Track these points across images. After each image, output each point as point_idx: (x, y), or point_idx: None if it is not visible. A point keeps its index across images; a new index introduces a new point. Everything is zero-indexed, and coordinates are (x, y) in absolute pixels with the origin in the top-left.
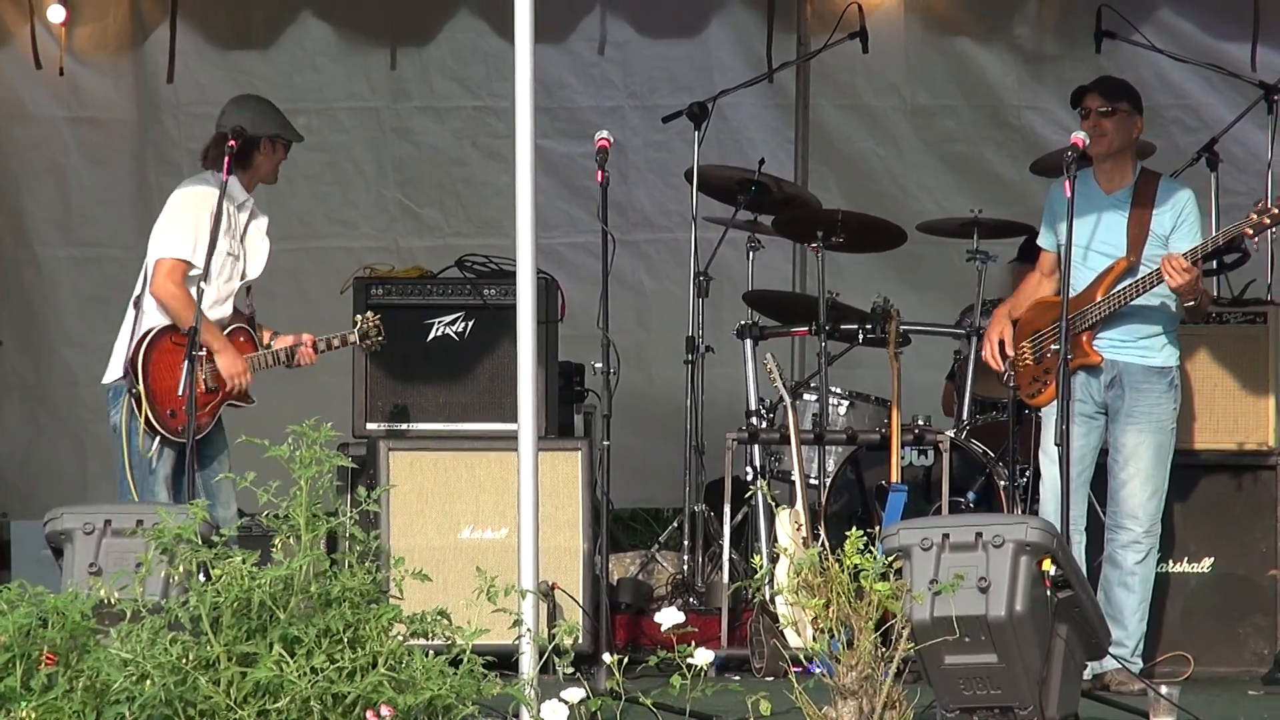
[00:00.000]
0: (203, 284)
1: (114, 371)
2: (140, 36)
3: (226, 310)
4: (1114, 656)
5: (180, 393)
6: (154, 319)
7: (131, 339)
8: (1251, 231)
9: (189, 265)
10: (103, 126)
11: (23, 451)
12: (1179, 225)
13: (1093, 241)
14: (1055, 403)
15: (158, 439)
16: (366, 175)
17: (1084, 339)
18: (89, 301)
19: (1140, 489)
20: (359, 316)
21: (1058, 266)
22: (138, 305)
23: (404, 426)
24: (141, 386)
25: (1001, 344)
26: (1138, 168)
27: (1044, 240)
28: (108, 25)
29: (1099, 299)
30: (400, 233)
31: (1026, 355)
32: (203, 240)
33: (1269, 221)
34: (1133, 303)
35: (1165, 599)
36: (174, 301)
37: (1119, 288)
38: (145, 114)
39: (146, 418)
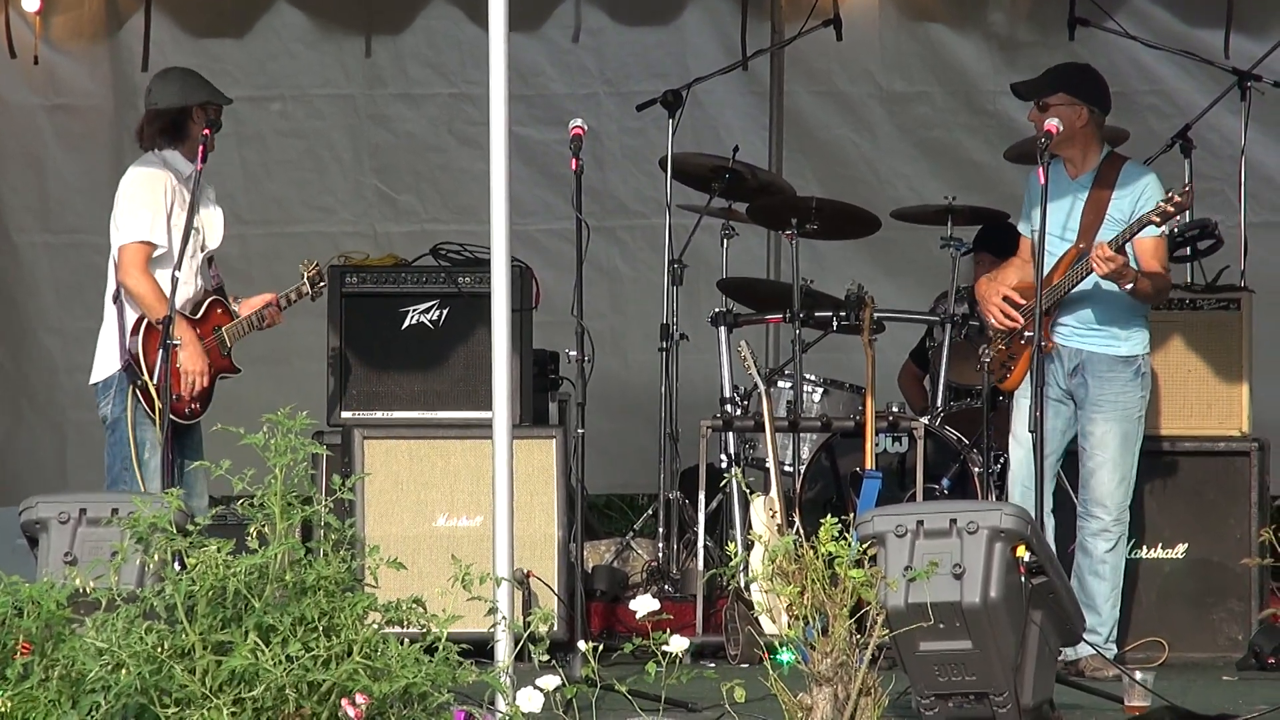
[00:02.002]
0: (176, 272)
1: (104, 369)
2: (115, 25)
3: (196, 285)
4: (1088, 643)
5: (155, 381)
6: (138, 308)
7: (122, 332)
8: (1159, 220)
9: (151, 246)
10: (79, 114)
11: (2, 439)
12: (1139, 209)
13: (1055, 228)
14: (1025, 388)
15: (155, 428)
16: (343, 161)
17: (1043, 326)
18: (67, 288)
19: (1108, 478)
20: (302, 264)
21: (1031, 252)
22: (117, 300)
23: (379, 415)
24: (146, 377)
25: (1008, 300)
26: (1104, 151)
27: (1022, 227)
28: (82, 14)
29: (1050, 286)
30: (377, 219)
31: (1000, 344)
32: (160, 219)
33: (1173, 210)
34: (1099, 292)
35: (1139, 585)
36: (140, 289)
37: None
38: (121, 101)
39: (156, 407)
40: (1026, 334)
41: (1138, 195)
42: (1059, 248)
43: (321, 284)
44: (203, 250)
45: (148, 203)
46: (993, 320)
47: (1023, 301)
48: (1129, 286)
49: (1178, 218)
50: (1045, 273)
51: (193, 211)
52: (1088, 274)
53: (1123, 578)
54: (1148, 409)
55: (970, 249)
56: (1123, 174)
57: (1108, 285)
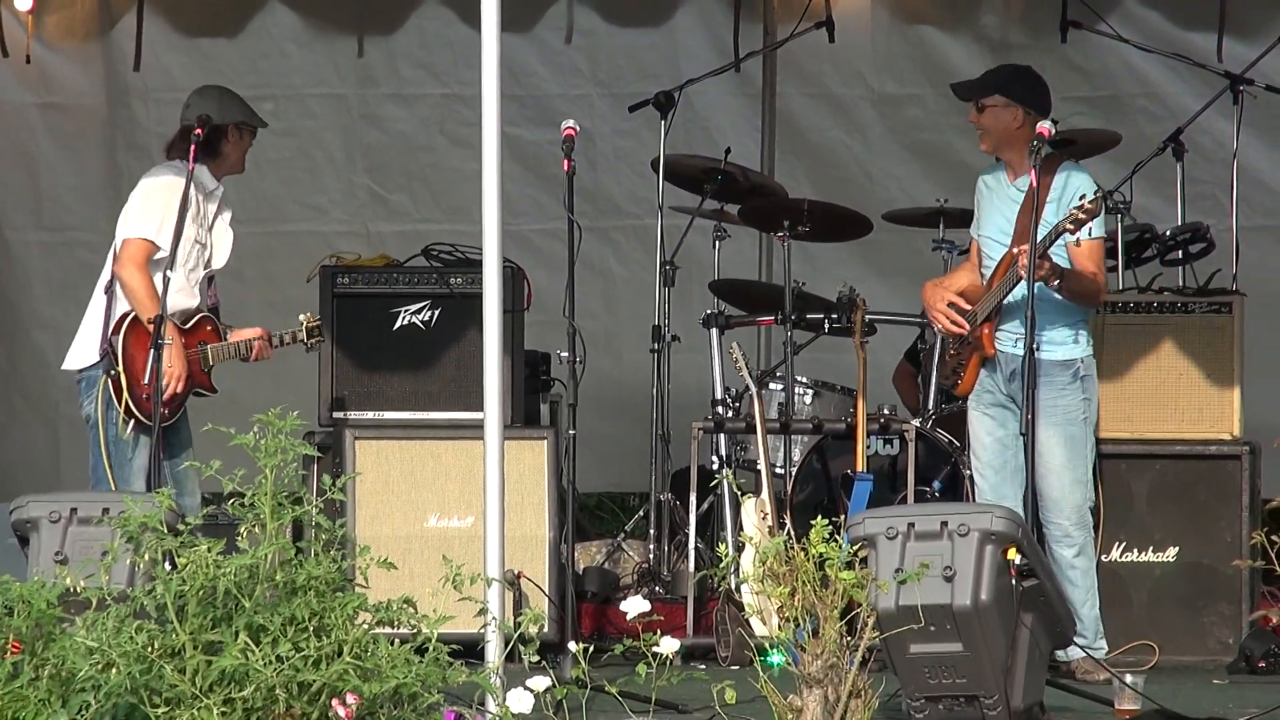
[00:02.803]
0: (168, 272)
1: (83, 358)
2: (107, 24)
3: (194, 300)
4: (1079, 646)
5: (145, 380)
6: (128, 303)
7: (106, 323)
8: (1072, 228)
9: (154, 247)
10: (72, 112)
11: None
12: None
13: (996, 232)
14: (974, 395)
15: (133, 424)
16: (335, 161)
17: (984, 331)
18: (60, 285)
19: (1057, 483)
20: (303, 316)
21: (980, 257)
22: (109, 291)
23: (370, 415)
24: (121, 369)
25: (953, 306)
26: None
27: (972, 229)
28: (75, 13)
29: (989, 291)
30: (370, 218)
31: (951, 348)
32: (169, 224)
33: (1083, 216)
34: (1035, 295)
35: (1130, 588)
36: (134, 283)
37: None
38: (114, 100)
39: (126, 403)
40: (974, 338)
41: (1071, 197)
42: (999, 252)
43: (317, 339)
44: (206, 267)
45: (160, 205)
46: (938, 327)
47: (968, 307)
48: (1055, 285)
49: (1090, 223)
50: (988, 278)
51: (184, 213)
52: (1017, 282)
53: (1095, 579)
54: (1139, 410)
55: (966, 250)
56: (1057, 176)
57: (1041, 289)
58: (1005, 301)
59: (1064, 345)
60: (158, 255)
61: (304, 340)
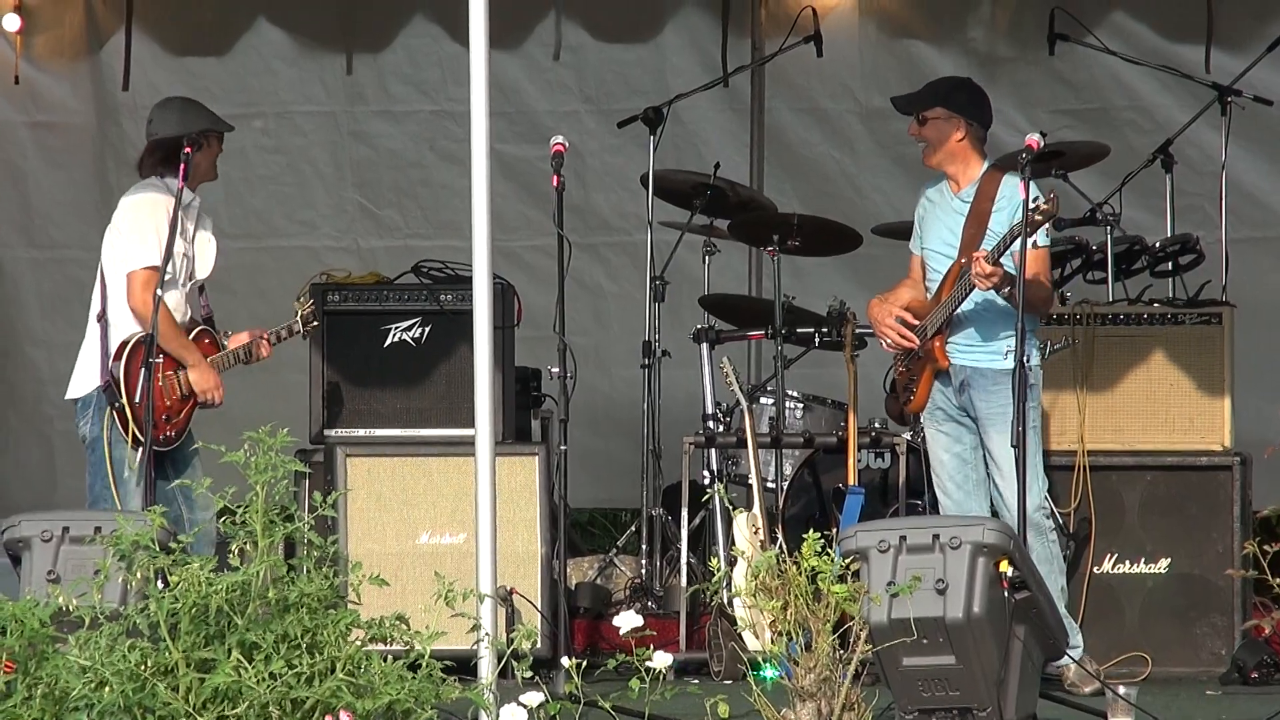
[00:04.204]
0: (158, 290)
1: (82, 386)
2: (96, 43)
3: (188, 313)
4: (1073, 659)
5: (136, 399)
6: (125, 330)
7: (104, 353)
8: (1031, 230)
9: (160, 272)
10: (61, 131)
11: None
12: (1017, 221)
13: (939, 244)
14: (926, 413)
15: (140, 451)
16: (325, 177)
17: (935, 344)
18: (52, 301)
19: (1008, 490)
20: (297, 303)
21: (923, 272)
22: (102, 320)
23: (361, 432)
24: (125, 400)
25: (901, 321)
26: (985, 166)
27: (912, 245)
28: (63, 33)
29: (939, 304)
30: (360, 233)
31: (900, 366)
32: (163, 247)
33: (1040, 219)
34: (979, 306)
35: (1122, 600)
36: (149, 314)
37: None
38: (104, 118)
39: (133, 433)
40: (925, 355)
41: (1016, 207)
42: (944, 265)
43: (314, 324)
44: (191, 279)
45: (154, 229)
46: (886, 342)
47: (916, 321)
48: (1005, 292)
49: (1045, 225)
50: (934, 291)
51: (174, 235)
52: (971, 289)
53: (1061, 580)
54: (1131, 420)
55: None
56: (1002, 186)
57: (988, 299)
58: (957, 313)
59: (1011, 354)
60: (166, 279)
61: (300, 331)
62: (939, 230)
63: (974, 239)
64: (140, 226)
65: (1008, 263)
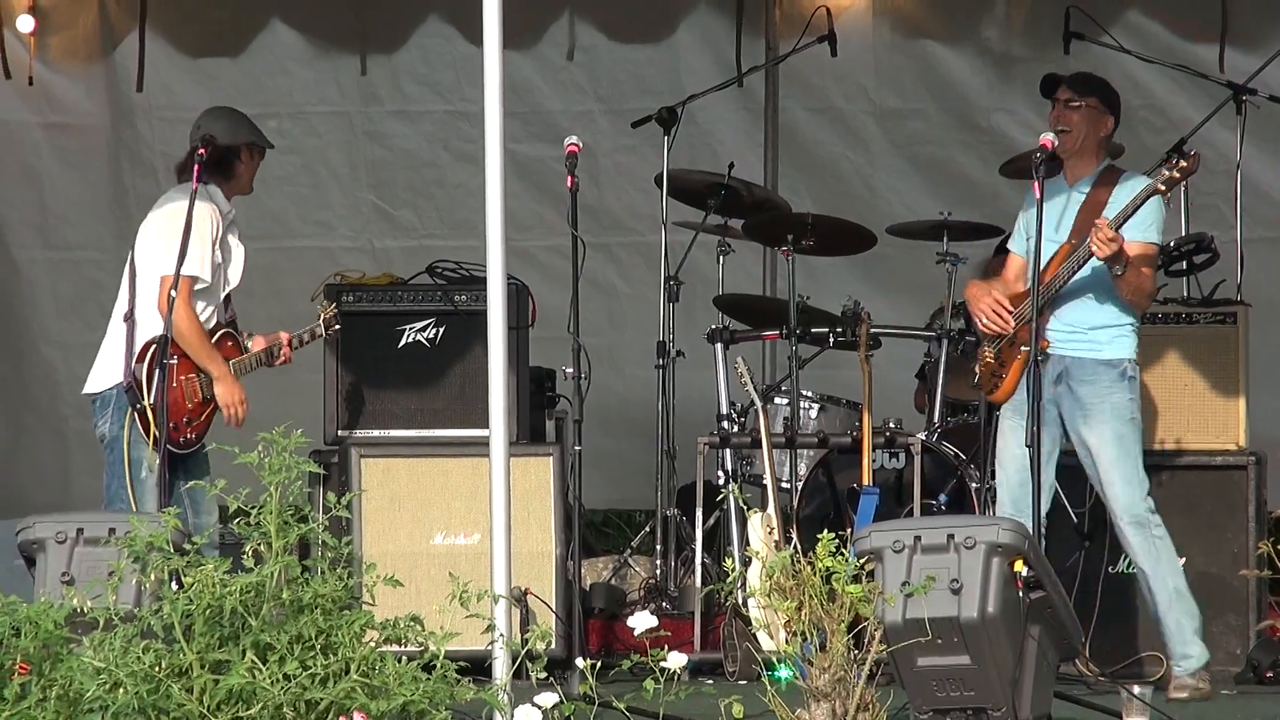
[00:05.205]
0: (172, 292)
1: (101, 382)
2: (110, 44)
3: (214, 319)
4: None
5: (150, 400)
6: (151, 331)
7: (129, 353)
8: (1165, 188)
9: (196, 280)
10: (76, 131)
11: (6, 450)
12: (1132, 213)
13: (1048, 230)
14: (1011, 404)
15: (151, 449)
16: (340, 177)
17: (1031, 329)
18: (67, 302)
19: (1111, 481)
20: (319, 306)
21: (1023, 271)
22: (129, 319)
23: (376, 433)
24: (148, 403)
25: (998, 303)
26: (1104, 163)
27: (1013, 245)
28: (77, 33)
29: (1044, 285)
30: (375, 233)
31: (987, 354)
32: (207, 253)
33: (1178, 175)
34: (1081, 295)
35: (1138, 599)
36: (185, 321)
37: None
38: (118, 119)
39: (154, 435)
40: (1018, 342)
41: (1133, 191)
42: (1049, 249)
43: (337, 326)
44: (226, 288)
45: (201, 237)
46: (981, 320)
47: (1011, 309)
48: (1119, 270)
49: (1179, 181)
50: (1036, 279)
51: (187, 236)
52: (1082, 264)
53: (1170, 584)
54: (1145, 420)
55: (965, 260)
56: (1121, 180)
57: (1090, 285)
58: (1059, 297)
59: (1111, 345)
60: (197, 287)
61: (323, 334)
62: (1048, 214)
63: (1087, 223)
64: (190, 234)
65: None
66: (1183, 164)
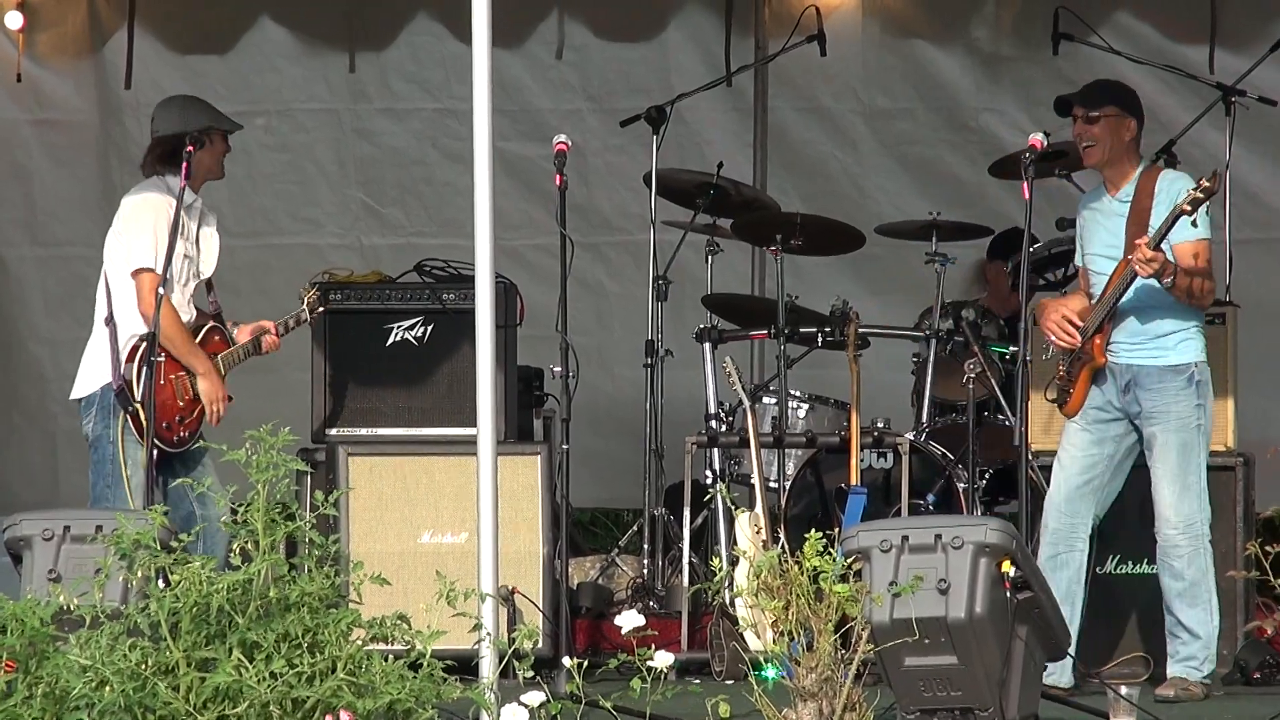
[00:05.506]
0: (159, 290)
1: (87, 385)
2: (99, 41)
3: (192, 312)
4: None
5: (139, 398)
6: (132, 329)
7: (115, 356)
8: (1190, 208)
9: (161, 275)
10: (65, 128)
11: None
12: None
13: (1103, 248)
14: (1081, 414)
15: (155, 454)
16: (329, 175)
17: (1095, 342)
18: (56, 300)
19: (1167, 490)
20: (302, 290)
21: (1088, 281)
22: (110, 323)
23: (363, 431)
24: (139, 405)
25: (1066, 319)
26: (1141, 165)
27: (1077, 258)
28: (65, 30)
29: (1100, 302)
30: (363, 231)
31: (1060, 368)
32: (163, 248)
33: (1202, 195)
34: (1142, 303)
35: (1125, 601)
36: (164, 318)
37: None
38: (107, 116)
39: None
40: (1084, 357)
41: (1175, 195)
42: (1108, 267)
43: (321, 309)
44: (196, 277)
45: (150, 229)
46: (1050, 336)
47: (1080, 322)
48: (1168, 282)
49: (1208, 203)
50: (1098, 294)
51: (174, 236)
52: (1132, 280)
53: (1212, 595)
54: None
55: (953, 260)
56: (1159, 180)
57: (1151, 293)
58: (1120, 308)
59: (1176, 350)
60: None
61: (308, 319)
62: (1100, 235)
63: (1137, 237)
64: (140, 228)
65: (1169, 252)
66: (1205, 184)
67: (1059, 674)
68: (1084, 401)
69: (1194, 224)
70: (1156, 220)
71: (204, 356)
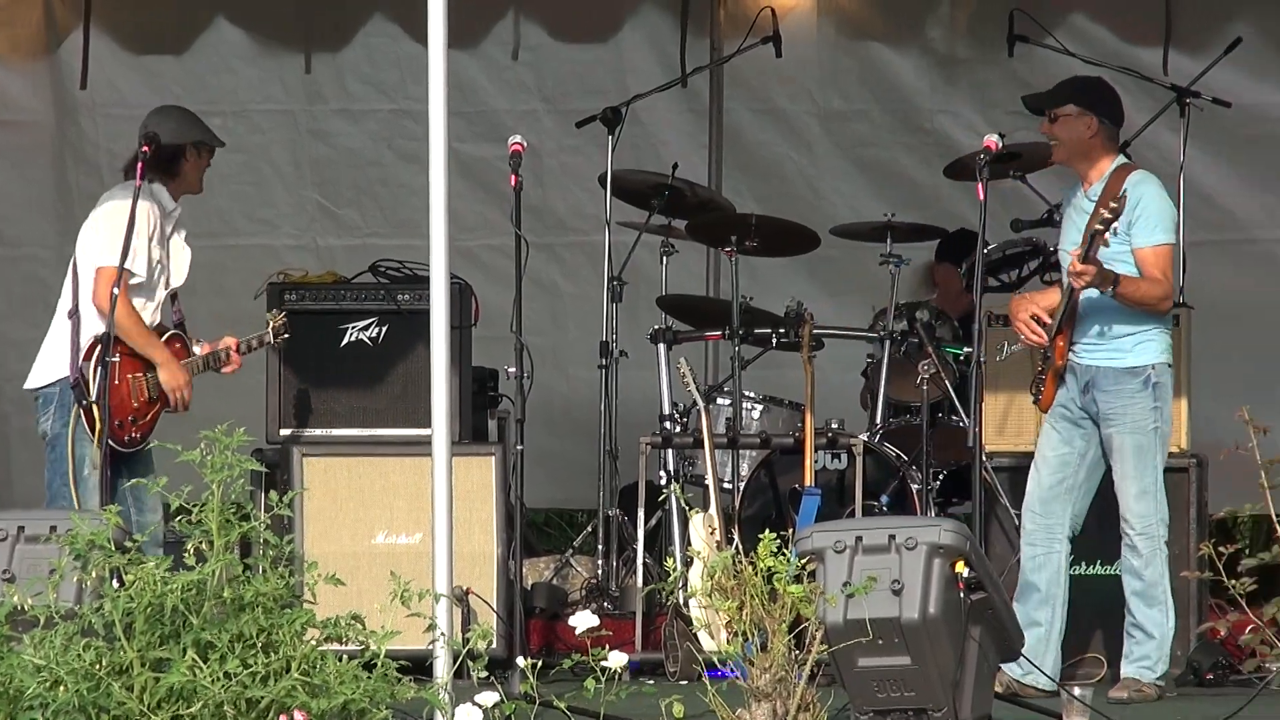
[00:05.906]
0: (115, 289)
1: (44, 375)
2: (54, 41)
3: (157, 319)
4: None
5: (95, 397)
6: (95, 327)
7: (75, 350)
8: (1101, 227)
9: (129, 274)
10: (20, 128)
11: None
12: (1136, 219)
13: (1074, 244)
14: (1054, 411)
15: (107, 451)
16: (284, 176)
17: (1058, 343)
18: (11, 299)
19: (1126, 491)
20: (269, 315)
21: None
22: (74, 316)
23: (318, 432)
24: (94, 402)
25: (1035, 318)
26: (1115, 163)
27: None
28: (20, 31)
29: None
30: (319, 232)
31: (1039, 365)
32: (140, 249)
33: (1109, 215)
34: (1100, 305)
35: (1079, 601)
36: (120, 312)
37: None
38: (63, 116)
39: (99, 432)
40: (1048, 354)
41: (1134, 204)
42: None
43: (285, 335)
44: (166, 287)
45: (125, 230)
46: (1021, 338)
47: (1049, 320)
48: (1109, 291)
49: (1115, 224)
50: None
51: (153, 242)
52: (1073, 287)
53: (1168, 597)
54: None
55: (908, 261)
56: (1128, 180)
57: (1105, 297)
58: (1081, 309)
59: (1133, 352)
60: (133, 281)
61: (271, 342)
62: (1070, 231)
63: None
64: (114, 227)
65: (1128, 261)
66: (1113, 205)
67: (1035, 675)
68: (1054, 398)
69: (1104, 244)
70: (1122, 222)
71: (162, 347)
